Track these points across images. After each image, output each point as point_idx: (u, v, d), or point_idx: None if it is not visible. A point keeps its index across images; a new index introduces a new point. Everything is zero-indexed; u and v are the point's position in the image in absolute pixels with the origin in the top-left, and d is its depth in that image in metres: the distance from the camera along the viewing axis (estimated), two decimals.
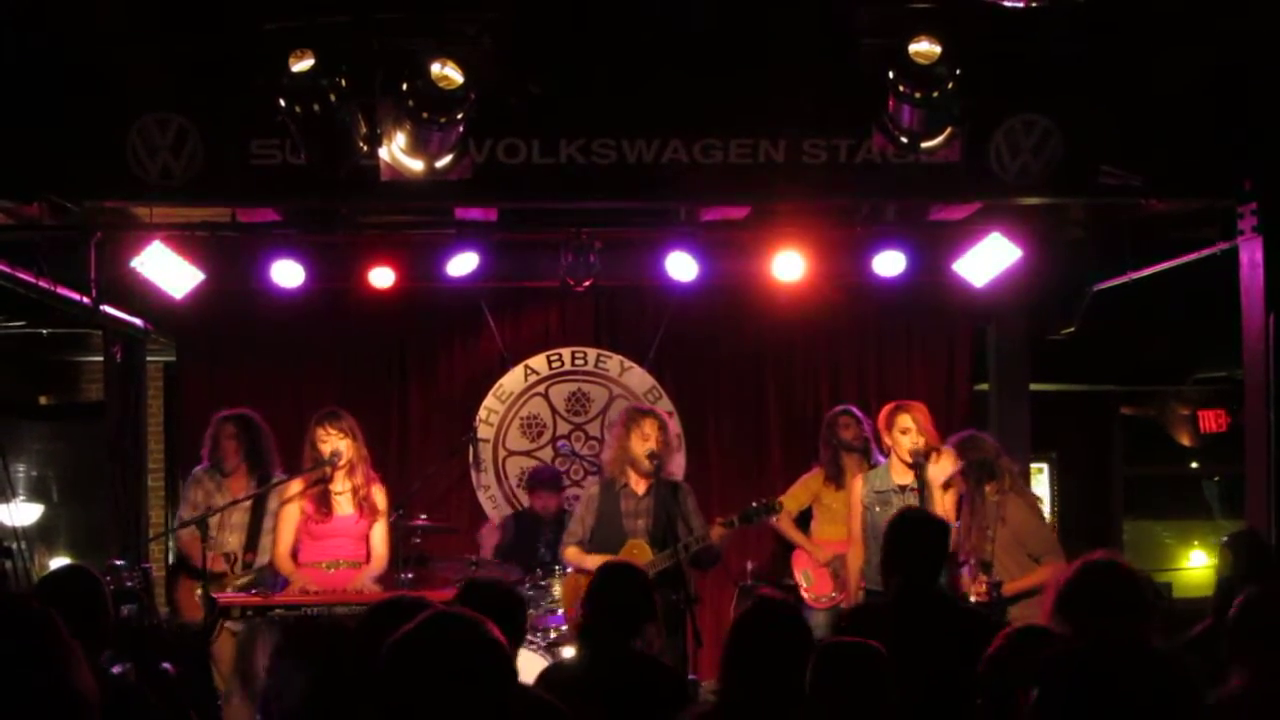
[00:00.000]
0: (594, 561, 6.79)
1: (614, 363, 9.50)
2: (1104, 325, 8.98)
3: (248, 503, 7.26)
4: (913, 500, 6.92)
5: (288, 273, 7.98)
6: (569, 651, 6.78)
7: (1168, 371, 12.25)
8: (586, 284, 8.37)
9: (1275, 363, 6.53)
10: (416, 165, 5.82)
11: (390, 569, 7.21)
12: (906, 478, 7.05)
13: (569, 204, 7.20)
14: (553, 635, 7.11)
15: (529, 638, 6.97)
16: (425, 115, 5.49)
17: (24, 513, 10.55)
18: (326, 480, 7.14)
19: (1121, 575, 3.90)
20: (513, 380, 9.46)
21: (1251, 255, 6.64)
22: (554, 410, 9.51)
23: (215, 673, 6.90)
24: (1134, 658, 2.25)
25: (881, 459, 7.45)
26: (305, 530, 7.14)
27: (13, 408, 10.75)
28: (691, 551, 6.84)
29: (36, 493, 10.77)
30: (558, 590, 7.32)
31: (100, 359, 9.73)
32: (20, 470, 10.64)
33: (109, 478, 8.88)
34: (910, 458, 6.99)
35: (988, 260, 7.82)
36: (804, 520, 8.07)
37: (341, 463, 7.09)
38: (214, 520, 7.02)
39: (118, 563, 7.59)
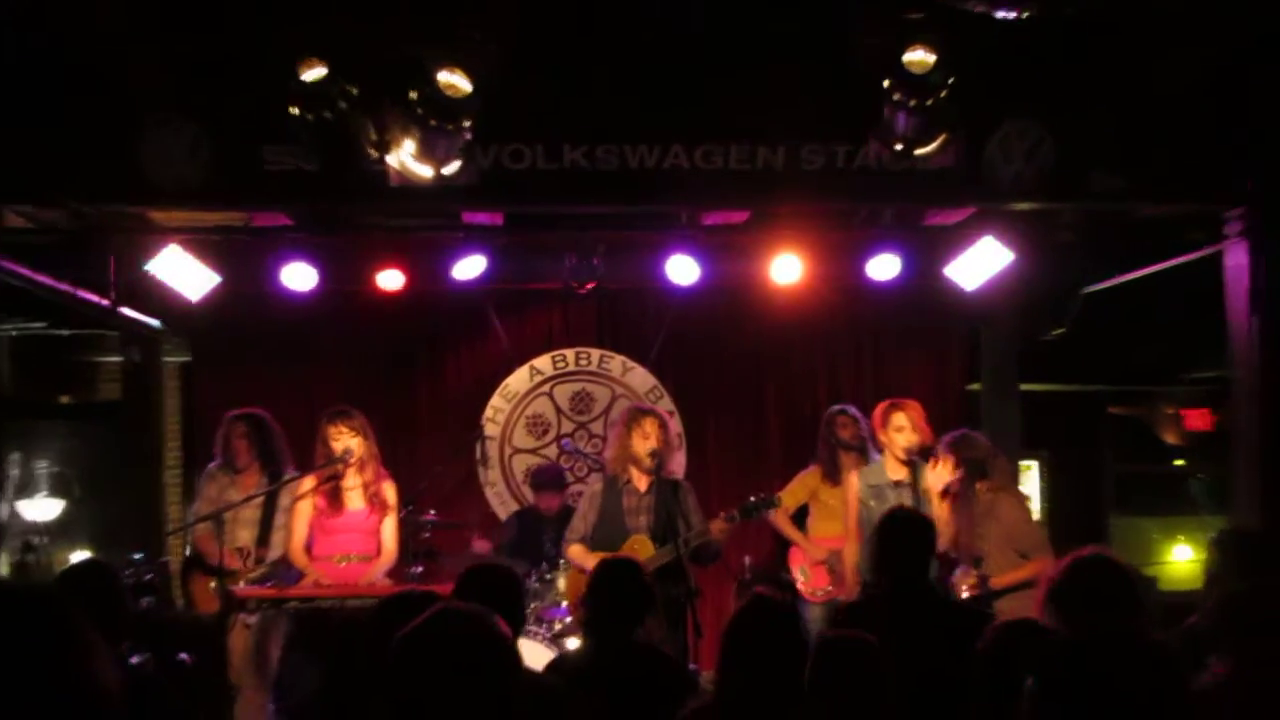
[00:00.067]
0: (595, 561, 6.79)
1: (616, 363, 9.50)
2: (1093, 327, 8.98)
3: (260, 499, 7.26)
4: (907, 495, 6.92)
5: (300, 275, 7.97)
6: (573, 643, 6.78)
7: (1155, 372, 12.25)
8: (590, 286, 8.38)
9: (1260, 363, 6.53)
10: (425, 171, 5.82)
11: (400, 563, 7.22)
12: (901, 473, 7.06)
13: (573, 208, 7.20)
14: (557, 627, 7.11)
15: (535, 629, 6.97)
16: (433, 122, 5.49)
17: (45, 508, 10.57)
18: (338, 477, 7.14)
19: (1112, 570, 3.88)
20: (518, 380, 9.46)
21: (1237, 259, 6.64)
22: (558, 409, 9.51)
23: (229, 664, 6.90)
24: (1129, 650, 2.25)
25: (877, 456, 7.45)
26: (318, 525, 7.14)
27: (34, 407, 10.75)
28: (691, 547, 6.83)
29: (57, 489, 10.76)
30: (562, 584, 7.32)
31: (118, 359, 9.75)
32: (42, 467, 10.65)
33: (127, 474, 8.89)
34: (905, 455, 7.00)
35: (980, 264, 7.82)
36: (801, 517, 8.07)
37: (353, 460, 7.08)
38: (227, 515, 7.02)
39: (136, 557, 7.62)
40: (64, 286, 7.31)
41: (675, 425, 9.01)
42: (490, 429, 9.36)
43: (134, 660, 4.37)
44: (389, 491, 7.23)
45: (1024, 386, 9.41)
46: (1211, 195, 6.64)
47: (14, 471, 10.41)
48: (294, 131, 5.62)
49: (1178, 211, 7.08)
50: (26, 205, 6.61)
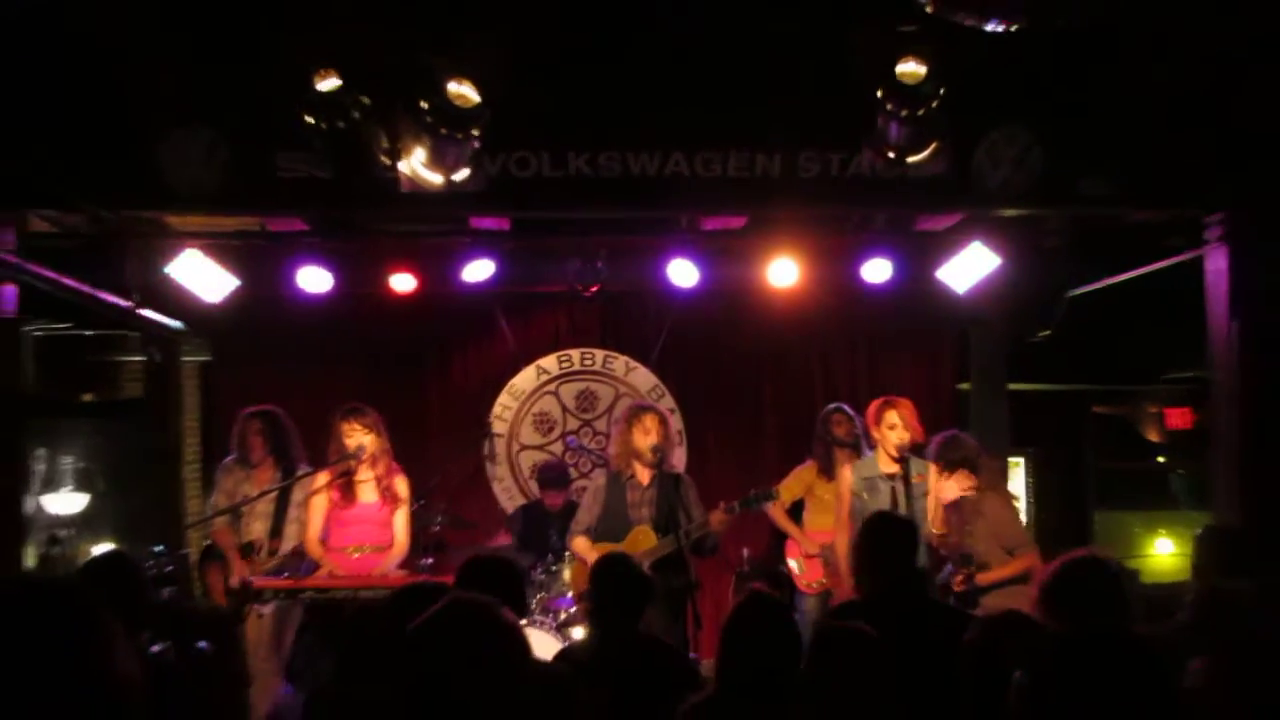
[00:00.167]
0: (600, 553, 6.79)
1: (620, 363, 9.49)
2: (1078, 329, 8.98)
3: (274, 493, 7.26)
4: (899, 488, 6.93)
5: (314, 278, 7.98)
6: (578, 632, 6.78)
7: (1138, 373, 12.24)
8: (594, 289, 8.40)
9: (1239, 365, 6.52)
10: (435, 178, 5.81)
11: (411, 555, 7.22)
12: (893, 467, 7.07)
13: (577, 213, 7.18)
14: (562, 617, 7.10)
15: (541, 619, 6.97)
16: (443, 131, 5.49)
17: (70, 502, 10.57)
18: (351, 472, 7.14)
19: (1103, 572, 3.86)
20: (525, 379, 9.46)
21: (1217, 263, 6.64)
22: (564, 407, 9.51)
23: (245, 653, 6.90)
24: (1117, 646, 2.24)
25: (869, 453, 7.45)
26: (332, 517, 7.15)
27: (58, 405, 10.74)
28: (692, 538, 6.83)
29: (81, 484, 10.75)
30: (567, 575, 7.32)
31: (139, 359, 9.75)
32: (66, 463, 10.64)
33: (148, 470, 8.89)
34: (897, 453, 7.01)
35: (970, 268, 7.81)
36: (796, 511, 8.07)
37: (365, 456, 7.09)
38: (243, 509, 7.02)
39: (157, 549, 7.62)
40: (87, 289, 7.30)
41: (676, 422, 9.04)
42: (498, 426, 9.35)
43: (155, 649, 4.35)
44: (401, 485, 7.23)
45: (1012, 386, 9.41)
46: (1194, 201, 6.63)
47: (39, 467, 10.40)
48: (308, 139, 5.61)
49: (1161, 217, 7.06)
50: (50, 210, 6.60)
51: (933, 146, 5.87)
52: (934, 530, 6.48)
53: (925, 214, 7.66)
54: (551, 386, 9.50)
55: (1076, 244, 8.02)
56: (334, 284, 8.04)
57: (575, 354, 9.52)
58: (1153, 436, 13.14)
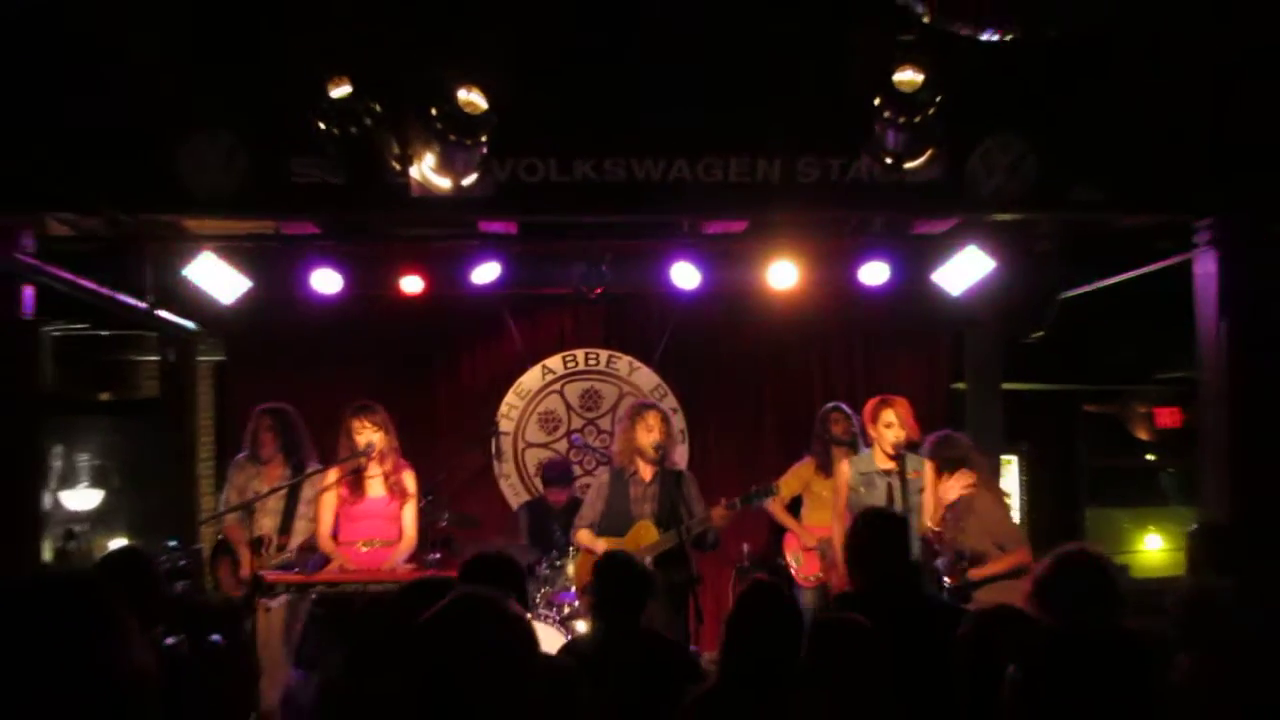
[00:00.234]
0: (603, 545, 6.80)
1: (623, 363, 9.49)
2: (1070, 330, 8.97)
3: (284, 489, 7.26)
4: (895, 484, 6.93)
5: (326, 280, 7.99)
6: (582, 625, 6.78)
7: (1128, 372, 12.23)
8: (598, 291, 8.41)
9: (1228, 366, 6.52)
10: (444, 183, 5.81)
11: (419, 550, 7.21)
12: (889, 464, 7.06)
13: (582, 218, 7.18)
14: (566, 610, 7.10)
15: (545, 613, 6.97)
16: (452, 137, 5.49)
17: (86, 498, 10.59)
18: (361, 469, 7.14)
19: (1095, 567, 3.84)
20: (531, 379, 9.46)
21: (1206, 267, 6.62)
22: (569, 406, 9.50)
23: (256, 645, 6.89)
24: (1110, 642, 2.23)
25: (866, 450, 7.44)
26: (341, 512, 7.14)
27: (76, 403, 10.76)
28: (693, 533, 6.82)
29: (97, 480, 10.77)
30: (571, 569, 7.32)
31: (155, 358, 9.75)
32: (83, 460, 10.65)
33: (163, 467, 8.89)
34: (893, 450, 7.00)
35: (964, 271, 7.81)
36: (794, 507, 8.07)
37: (374, 453, 7.09)
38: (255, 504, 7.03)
39: (171, 544, 7.62)
40: (104, 290, 7.31)
41: (678, 420, 9.05)
42: (505, 425, 9.35)
43: (169, 642, 4.35)
44: (409, 480, 7.23)
45: (1005, 386, 9.40)
46: (1183, 206, 6.62)
47: (57, 464, 10.42)
48: (321, 145, 5.62)
49: (1150, 222, 7.06)
50: (69, 213, 6.60)
51: (929, 153, 5.88)
52: (930, 526, 6.48)
53: (921, 218, 7.66)
54: (557, 386, 9.50)
55: (1068, 248, 8.02)
56: (345, 286, 8.05)
57: (580, 354, 9.52)
58: (1142, 435, 13.13)
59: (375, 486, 7.16)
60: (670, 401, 9.24)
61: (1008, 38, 4.35)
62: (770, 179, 6.30)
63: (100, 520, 10.58)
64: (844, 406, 7.95)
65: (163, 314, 8.05)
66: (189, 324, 8.60)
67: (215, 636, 5.09)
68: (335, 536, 7.11)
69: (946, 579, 6.21)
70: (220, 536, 7.41)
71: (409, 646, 2.43)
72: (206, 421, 10.31)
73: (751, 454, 9.36)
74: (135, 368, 10.97)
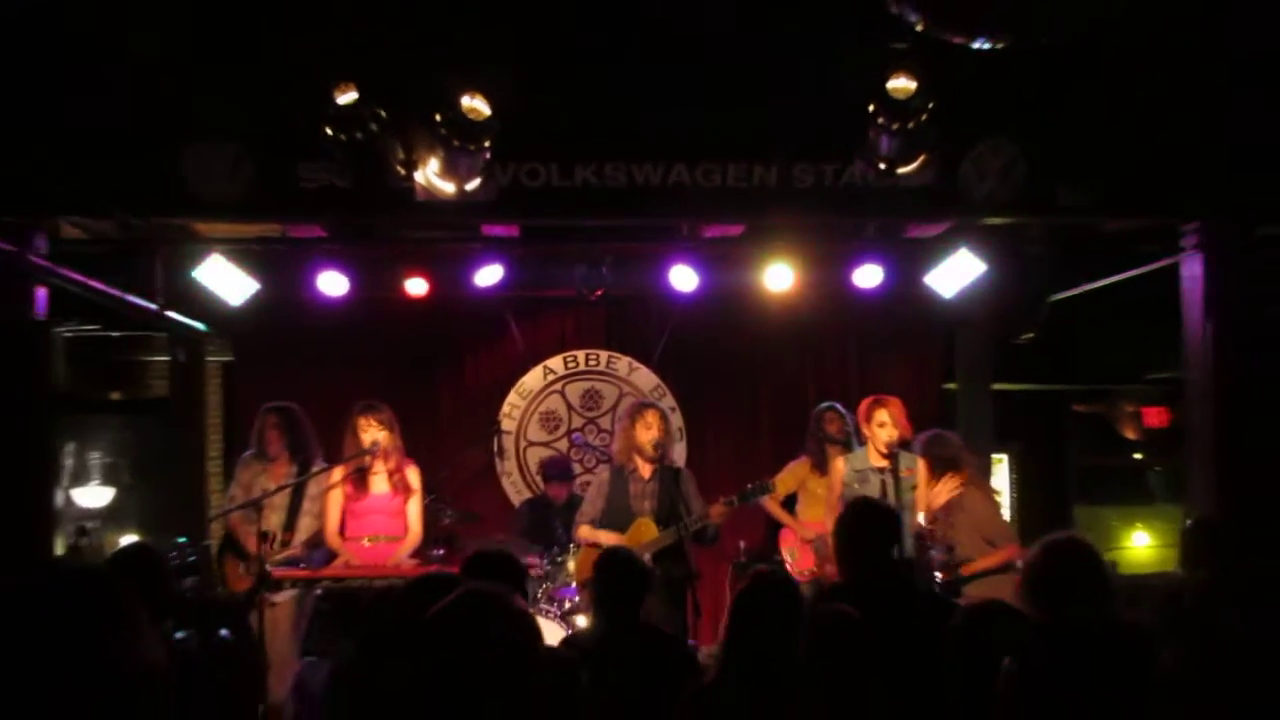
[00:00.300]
0: (604, 536, 6.81)
1: (623, 363, 9.49)
2: (1060, 331, 8.97)
3: (289, 487, 7.25)
4: (888, 481, 6.93)
5: (332, 283, 7.99)
6: (582, 620, 6.77)
7: (1116, 373, 12.23)
8: (599, 293, 8.42)
9: (1214, 367, 6.52)
10: (448, 187, 5.81)
11: (423, 546, 7.21)
12: (883, 462, 7.09)
13: (583, 221, 7.18)
14: (567, 605, 7.09)
15: (547, 608, 6.96)
16: (456, 143, 5.49)
17: (98, 495, 10.58)
18: (366, 467, 7.14)
19: (1084, 557, 3.81)
20: (533, 379, 9.45)
21: (1192, 269, 6.63)
22: (570, 406, 9.50)
23: (264, 640, 6.89)
24: (1102, 635, 2.23)
25: (860, 449, 7.44)
26: (346, 508, 7.14)
27: (88, 402, 10.76)
28: (692, 530, 6.82)
29: (109, 478, 10.77)
30: (571, 566, 7.31)
31: (165, 359, 9.75)
32: (94, 458, 10.65)
33: (173, 465, 8.88)
34: (886, 449, 7.02)
35: (956, 273, 7.80)
36: (790, 505, 8.07)
37: (379, 451, 7.09)
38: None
39: (180, 540, 7.60)
40: (115, 292, 7.31)
41: (676, 419, 9.05)
42: (507, 424, 9.35)
43: (178, 637, 4.35)
44: (413, 475, 7.23)
45: (996, 386, 9.40)
46: (1170, 211, 6.62)
47: (69, 461, 10.42)
48: (328, 150, 5.62)
49: (1138, 225, 7.06)
50: (80, 217, 6.60)
51: (922, 158, 5.89)
52: (923, 522, 6.48)
53: (914, 222, 7.66)
54: (558, 386, 9.49)
55: (1058, 251, 8.02)
56: (351, 288, 8.05)
57: (581, 355, 9.52)
58: (1131, 434, 13.12)
59: (380, 483, 7.17)
60: (669, 401, 9.23)
61: (999, 46, 4.35)
62: (767, 184, 6.31)
63: (111, 517, 10.59)
64: (838, 406, 7.96)
65: (172, 315, 8.05)
66: (198, 325, 8.60)
67: (224, 631, 5.08)
68: (341, 532, 7.11)
69: (938, 574, 6.22)
70: (226, 532, 7.40)
71: (419, 639, 2.43)
72: (215, 420, 10.31)
73: (748, 452, 9.36)
74: (145, 368, 10.96)
